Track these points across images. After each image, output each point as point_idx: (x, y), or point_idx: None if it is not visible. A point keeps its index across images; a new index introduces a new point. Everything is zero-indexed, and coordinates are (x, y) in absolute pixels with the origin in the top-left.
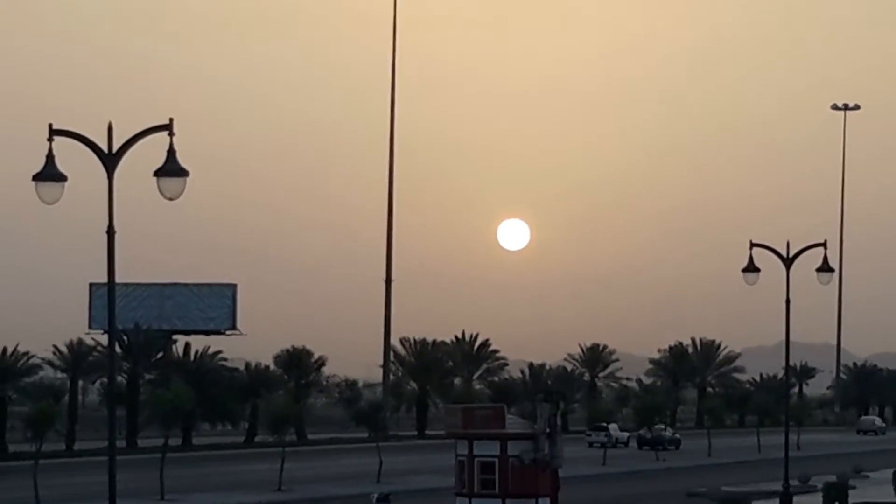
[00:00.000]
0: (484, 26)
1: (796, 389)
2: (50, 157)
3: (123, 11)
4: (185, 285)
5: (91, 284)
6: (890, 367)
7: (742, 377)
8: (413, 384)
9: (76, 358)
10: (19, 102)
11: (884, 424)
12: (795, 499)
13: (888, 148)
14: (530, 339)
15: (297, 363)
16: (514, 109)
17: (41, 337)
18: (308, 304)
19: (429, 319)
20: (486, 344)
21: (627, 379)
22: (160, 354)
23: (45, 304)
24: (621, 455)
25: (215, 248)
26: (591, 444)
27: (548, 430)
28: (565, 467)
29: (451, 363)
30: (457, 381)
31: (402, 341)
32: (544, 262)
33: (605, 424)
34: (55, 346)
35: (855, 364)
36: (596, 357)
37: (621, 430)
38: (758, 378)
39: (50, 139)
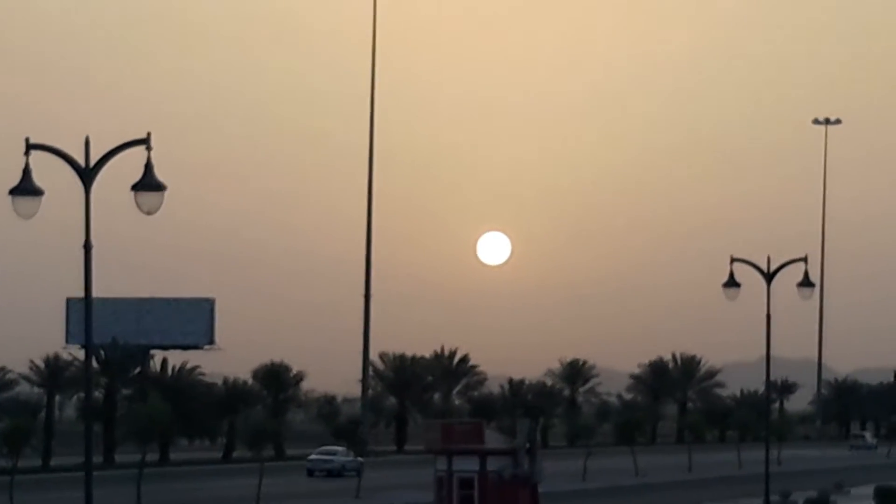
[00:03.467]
0: (463, 38)
1: (777, 405)
2: (26, 171)
3: (100, 24)
4: (163, 300)
5: (68, 299)
6: (871, 383)
7: (723, 392)
8: (392, 399)
9: (53, 373)
10: None
11: (875, 440)
12: None
13: (869, 163)
14: (510, 354)
15: (276, 378)
16: (494, 121)
17: (18, 352)
18: (286, 319)
19: (408, 334)
20: (465, 359)
21: (608, 394)
22: (137, 369)
23: (21, 318)
24: (602, 471)
25: (193, 262)
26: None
27: (527, 446)
28: (545, 483)
29: (430, 378)
30: (436, 396)
31: (381, 356)
32: (524, 277)
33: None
34: (32, 361)
35: (836, 379)
36: (576, 372)
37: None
38: (738, 393)
39: (26, 153)
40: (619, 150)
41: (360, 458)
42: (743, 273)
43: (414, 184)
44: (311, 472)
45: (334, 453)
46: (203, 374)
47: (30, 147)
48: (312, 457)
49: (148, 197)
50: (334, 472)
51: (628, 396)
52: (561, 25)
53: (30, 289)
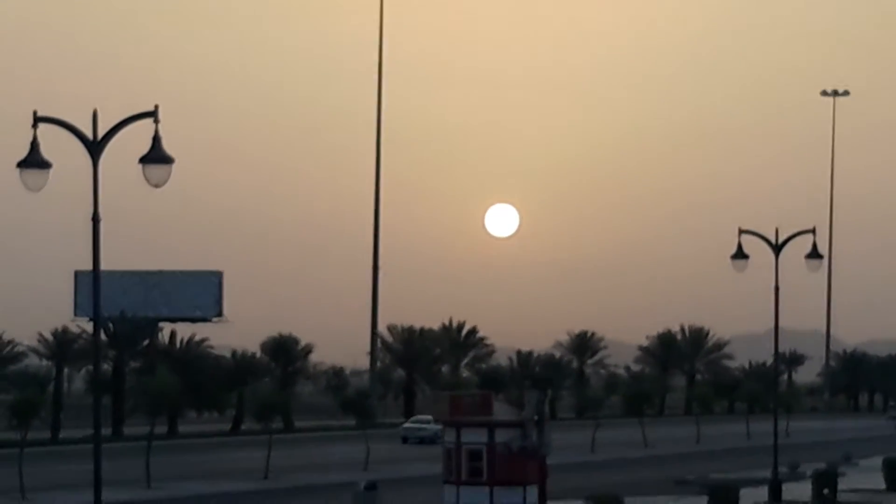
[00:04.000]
0: (471, 12)
1: (785, 376)
2: (34, 144)
3: None
4: (171, 272)
5: (76, 272)
6: (879, 355)
7: (731, 364)
8: (400, 371)
9: (61, 346)
10: (2, 89)
11: None
12: (784, 486)
13: (877, 134)
14: (518, 326)
15: (284, 351)
16: (502, 94)
17: (26, 325)
18: (295, 291)
19: (416, 306)
20: (473, 331)
21: (616, 366)
22: (146, 342)
23: (29, 291)
24: (610, 443)
25: (201, 235)
26: None
27: (536, 418)
28: (553, 455)
29: (438, 350)
30: (444, 368)
31: (390, 328)
32: (533, 249)
33: None
34: (40, 334)
35: (844, 351)
36: (584, 344)
37: None
38: (747, 365)
39: (34, 126)
40: (626, 123)
41: (440, 427)
42: (751, 245)
43: (422, 157)
44: (405, 440)
45: (427, 422)
46: (211, 347)
47: (38, 120)
48: (407, 425)
49: (156, 170)
50: (427, 440)
51: (636, 368)
52: (568, 1)
53: (38, 262)
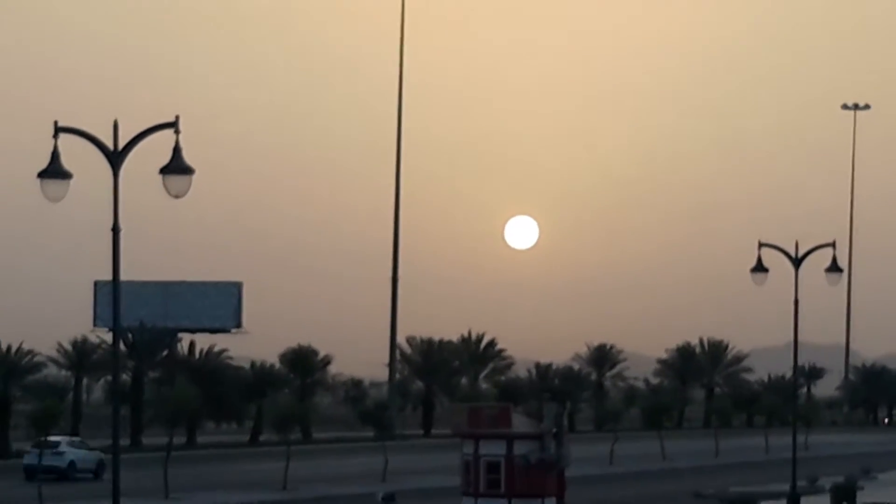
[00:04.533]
0: (491, 25)
1: (805, 390)
2: (55, 154)
3: (129, 8)
4: (191, 283)
5: (96, 282)
6: None
7: (750, 377)
8: (419, 383)
9: (80, 356)
10: (24, 100)
11: None
12: (803, 500)
13: None
14: (537, 339)
15: (303, 362)
16: (522, 107)
17: (45, 335)
18: (314, 302)
19: (435, 318)
20: (492, 343)
21: (635, 379)
22: (165, 353)
23: (49, 301)
24: (629, 456)
25: (221, 246)
26: None
27: (554, 430)
28: (571, 467)
29: (457, 362)
30: (463, 380)
31: (409, 340)
32: (552, 261)
33: None
34: (59, 344)
35: (864, 364)
36: (603, 356)
37: None
38: (766, 378)
39: (55, 136)
40: (647, 135)
41: None
42: (771, 258)
43: (442, 168)
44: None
45: None
46: (230, 358)
47: (58, 130)
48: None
49: (176, 180)
50: None
51: (655, 381)
52: (588, 12)
53: (58, 272)
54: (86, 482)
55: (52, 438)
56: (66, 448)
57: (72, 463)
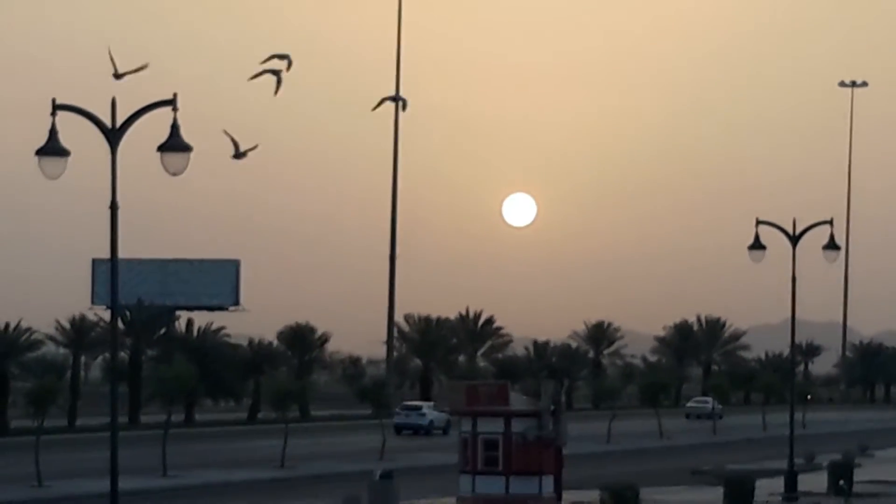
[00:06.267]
0: (491, 2)
1: (802, 367)
2: (53, 132)
3: None
4: (189, 261)
5: (94, 260)
6: None
7: (747, 355)
8: (417, 361)
9: (79, 334)
10: (22, 77)
11: None
12: (800, 477)
13: (895, 125)
14: (535, 316)
15: (301, 340)
16: (520, 84)
17: (44, 312)
18: (311, 280)
19: (433, 296)
20: (490, 321)
21: (632, 356)
22: (163, 330)
23: (47, 279)
24: (626, 433)
25: (219, 223)
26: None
27: (552, 408)
28: (569, 445)
29: (455, 340)
30: (461, 357)
31: (407, 318)
32: (550, 238)
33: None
34: (58, 322)
35: (861, 342)
36: (601, 334)
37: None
38: (763, 356)
39: (53, 114)
40: (644, 113)
41: (719, 405)
42: (768, 236)
43: (440, 145)
44: (688, 416)
45: (706, 402)
46: (228, 336)
47: (56, 108)
48: (689, 405)
49: (174, 158)
50: (704, 416)
51: (653, 359)
52: None
53: (56, 249)
54: (438, 436)
55: (414, 403)
56: (427, 410)
57: (430, 422)
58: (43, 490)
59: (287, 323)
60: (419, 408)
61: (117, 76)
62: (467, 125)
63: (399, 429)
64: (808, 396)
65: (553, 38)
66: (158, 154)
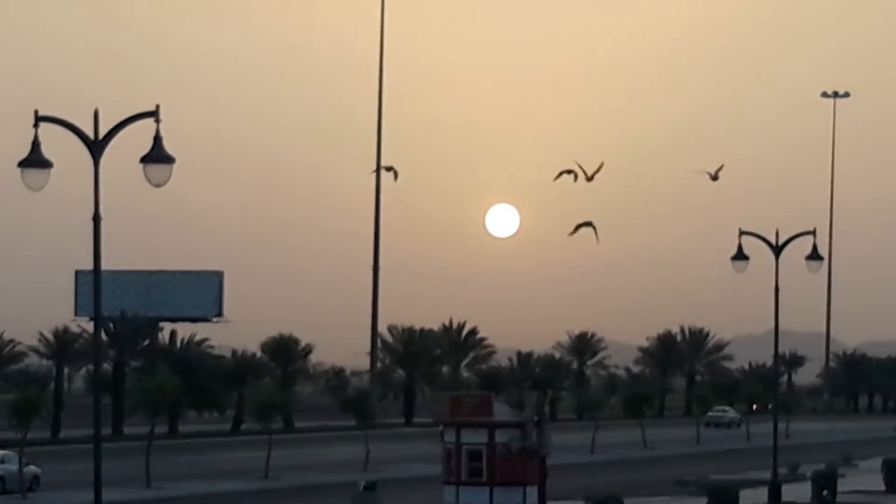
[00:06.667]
0: (472, 9)
1: (785, 378)
2: (35, 143)
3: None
4: (172, 272)
5: (77, 271)
6: (879, 356)
7: (731, 365)
8: (400, 372)
9: (62, 345)
10: (5, 88)
11: None
12: (784, 487)
13: (878, 136)
14: (519, 327)
15: (284, 351)
16: (503, 94)
17: (27, 324)
18: (295, 291)
19: (417, 307)
20: (473, 332)
21: (616, 367)
22: (146, 342)
23: (30, 290)
24: (610, 444)
25: (202, 235)
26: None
27: (536, 419)
28: (553, 455)
29: (438, 351)
30: (444, 368)
31: (390, 329)
32: (533, 249)
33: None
34: (41, 334)
35: (844, 352)
36: (584, 345)
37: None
38: (747, 366)
39: (35, 125)
40: (627, 122)
41: (738, 415)
42: (751, 246)
43: (422, 157)
44: (708, 424)
45: (725, 411)
46: (212, 347)
47: (39, 119)
48: (710, 414)
49: (157, 169)
50: (724, 425)
51: (636, 369)
52: (574, 2)
53: (39, 261)
54: None
55: None
56: None
57: None
58: (28, 502)
59: (270, 334)
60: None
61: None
62: (450, 135)
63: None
64: (755, 406)
65: (537, 49)
66: (141, 165)
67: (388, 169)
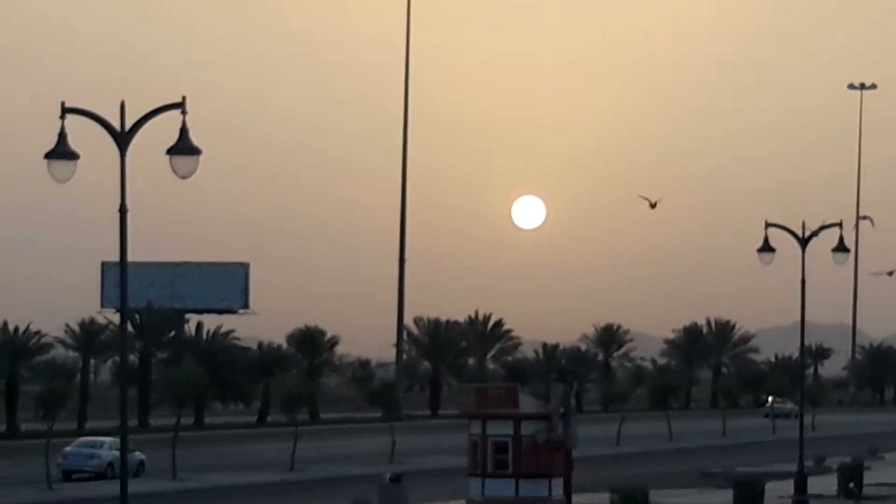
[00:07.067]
0: (500, 4)
1: (811, 370)
2: (62, 135)
3: None
4: (198, 264)
5: (103, 263)
6: None
7: (757, 357)
8: (426, 364)
9: (88, 337)
10: (31, 80)
11: None
12: (810, 480)
13: None
14: (544, 319)
15: (310, 342)
16: (529, 85)
17: (53, 316)
18: (321, 283)
19: (442, 298)
20: (499, 323)
21: (642, 359)
22: (172, 333)
23: (57, 282)
24: (636, 436)
25: (228, 226)
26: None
27: (562, 411)
28: (579, 447)
29: (464, 343)
30: (470, 360)
31: (416, 321)
32: (559, 241)
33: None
34: (67, 325)
35: (871, 345)
36: (610, 337)
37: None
38: (773, 358)
39: (62, 117)
40: (655, 115)
41: (797, 406)
42: (778, 238)
43: (449, 148)
44: (767, 416)
45: (785, 402)
46: (238, 339)
47: (65, 111)
48: (773, 405)
49: (183, 161)
50: (783, 415)
51: (662, 361)
52: None
53: (65, 253)
54: None
55: None
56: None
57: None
58: (53, 493)
59: (296, 326)
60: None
61: (652, 206)
62: (476, 127)
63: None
64: (770, 398)
65: (563, 39)
66: (167, 157)
67: (653, 206)
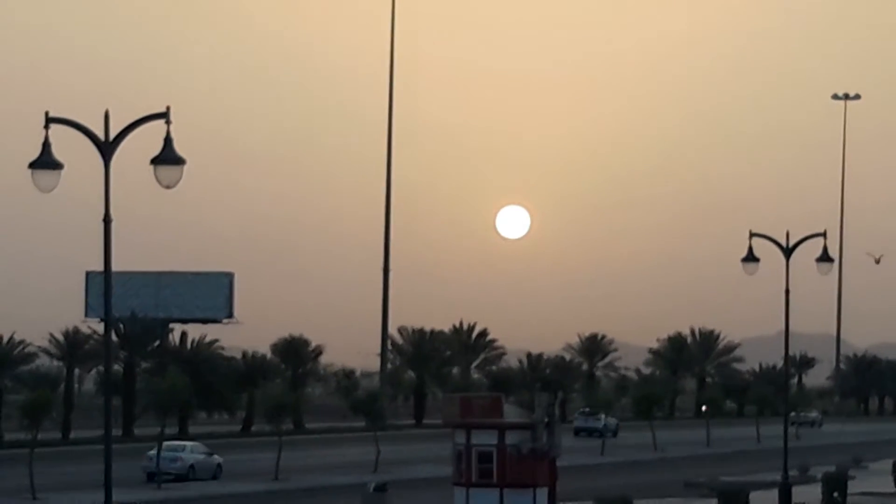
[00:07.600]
0: (482, 12)
1: (796, 380)
2: (46, 144)
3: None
4: (182, 274)
5: (87, 272)
6: (889, 358)
7: (741, 367)
8: (411, 373)
9: (72, 346)
10: (16, 89)
11: None
12: (794, 489)
13: (889, 138)
14: (529, 329)
15: (295, 352)
16: (513, 96)
17: (37, 325)
18: (305, 292)
19: (427, 308)
20: (484, 333)
21: (626, 369)
22: (156, 343)
23: (41, 292)
24: (620, 445)
25: (212, 236)
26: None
27: (546, 420)
28: (563, 457)
29: (448, 352)
30: (455, 370)
31: (400, 330)
32: (543, 251)
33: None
34: (51, 335)
35: (855, 354)
36: (594, 347)
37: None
38: (757, 368)
39: (46, 127)
40: (638, 125)
41: (820, 416)
42: (762, 248)
43: (433, 158)
44: (792, 424)
45: (812, 411)
46: (222, 348)
47: (49, 121)
48: (798, 414)
49: (167, 171)
50: (807, 424)
51: (647, 371)
52: (583, 4)
53: (49, 262)
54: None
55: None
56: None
57: (605, 425)
58: (37, 503)
59: (281, 335)
60: (596, 413)
61: (877, 261)
62: (461, 137)
63: (577, 431)
64: (704, 408)
65: (548, 49)
66: (152, 167)
67: (877, 261)
